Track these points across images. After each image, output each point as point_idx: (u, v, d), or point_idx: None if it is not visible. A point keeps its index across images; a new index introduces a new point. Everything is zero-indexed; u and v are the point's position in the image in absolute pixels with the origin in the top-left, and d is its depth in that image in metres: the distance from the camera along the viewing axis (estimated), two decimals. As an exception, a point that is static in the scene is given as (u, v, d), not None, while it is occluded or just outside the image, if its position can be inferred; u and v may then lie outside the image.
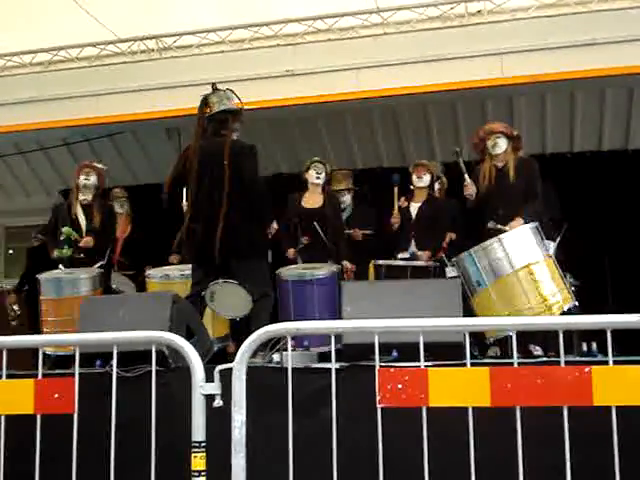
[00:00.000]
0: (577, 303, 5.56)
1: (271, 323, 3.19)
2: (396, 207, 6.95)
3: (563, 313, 5.34)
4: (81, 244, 6.75)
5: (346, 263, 6.75)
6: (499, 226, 5.80)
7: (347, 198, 7.52)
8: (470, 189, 6.10)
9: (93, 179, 7.02)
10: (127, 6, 7.17)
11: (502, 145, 6.13)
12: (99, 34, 7.74)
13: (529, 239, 5.51)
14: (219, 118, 5.61)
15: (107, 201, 7.33)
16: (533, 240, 5.51)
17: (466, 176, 6.11)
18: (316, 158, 7.22)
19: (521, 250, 5.43)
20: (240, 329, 5.81)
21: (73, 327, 5.68)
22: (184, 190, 5.92)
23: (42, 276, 6.41)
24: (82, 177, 7.00)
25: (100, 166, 7.19)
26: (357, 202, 7.65)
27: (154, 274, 6.66)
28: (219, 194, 5.38)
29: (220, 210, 5.35)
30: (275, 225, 6.43)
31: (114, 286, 6.89)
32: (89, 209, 6.97)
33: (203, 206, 5.43)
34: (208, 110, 5.62)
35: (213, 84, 5.73)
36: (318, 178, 7.08)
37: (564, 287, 5.48)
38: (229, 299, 5.47)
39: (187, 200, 5.71)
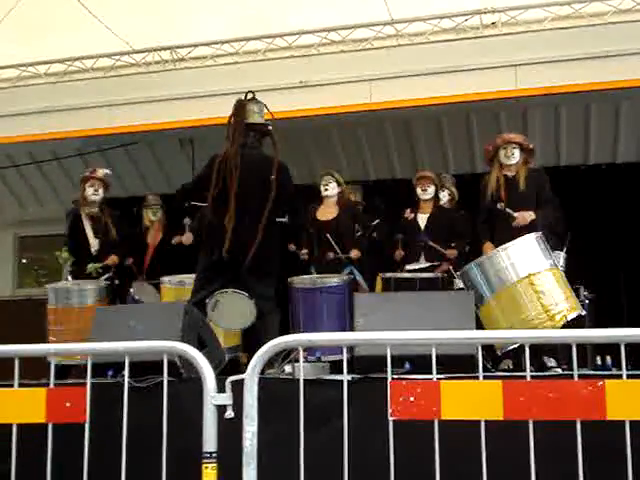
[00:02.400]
0: (583, 313, 5.51)
1: (282, 332, 3.19)
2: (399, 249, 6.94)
3: (568, 323, 5.28)
4: (108, 263, 6.87)
5: (354, 251, 6.78)
6: (508, 210, 5.80)
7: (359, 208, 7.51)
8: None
9: (101, 192, 7.08)
10: (141, 17, 7.21)
11: (517, 156, 6.14)
12: (114, 45, 7.79)
13: (533, 248, 5.47)
14: (261, 130, 5.64)
15: (113, 211, 7.32)
16: (537, 249, 5.47)
17: (515, 215, 6.03)
18: (324, 171, 7.24)
19: (524, 260, 5.40)
20: (251, 340, 5.82)
21: (78, 337, 5.72)
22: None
23: (50, 285, 6.47)
24: (90, 191, 7.05)
25: (104, 174, 7.20)
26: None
27: (168, 280, 6.72)
28: (261, 208, 5.41)
29: (259, 223, 5.38)
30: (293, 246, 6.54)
31: (136, 297, 6.91)
32: (98, 221, 7.03)
33: (245, 219, 5.42)
34: (244, 117, 5.58)
35: (251, 92, 5.69)
36: (326, 190, 7.10)
37: (570, 296, 5.41)
38: (232, 310, 5.47)
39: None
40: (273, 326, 5.39)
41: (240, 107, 5.60)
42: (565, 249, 6.16)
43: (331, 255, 6.77)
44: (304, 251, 6.93)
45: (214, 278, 5.52)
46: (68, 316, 6.35)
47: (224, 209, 5.44)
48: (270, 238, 5.45)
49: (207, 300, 5.44)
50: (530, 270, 5.35)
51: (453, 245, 6.80)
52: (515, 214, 5.86)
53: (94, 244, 6.96)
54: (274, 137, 5.66)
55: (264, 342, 3.06)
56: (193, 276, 6.18)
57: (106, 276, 6.72)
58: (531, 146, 6.26)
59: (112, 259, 6.93)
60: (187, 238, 7.09)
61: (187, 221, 7.02)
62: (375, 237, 7.19)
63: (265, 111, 5.70)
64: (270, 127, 5.69)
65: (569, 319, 5.27)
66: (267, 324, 5.40)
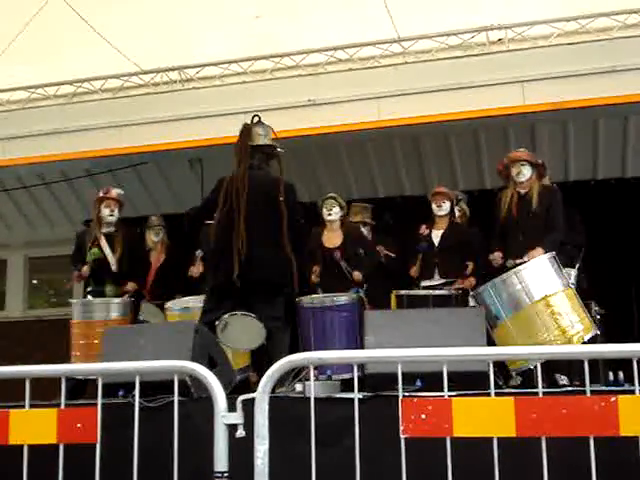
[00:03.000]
0: (599, 332, 5.51)
1: (292, 351, 3.18)
2: (417, 264, 6.90)
3: (584, 343, 5.29)
4: (128, 289, 6.96)
5: (355, 273, 6.76)
6: (517, 262, 5.78)
7: (363, 231, 7.48)
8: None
9: (117, 212, 7.12)
10: (150, 38, 7.26)
11: (526, 173, 6.14)
12: (122, 66, 7.84)
13: (547, 270, 5.48)
14: (268, 152, 5.70)
15: (128, 229, 7.36)
16: (551, 270, 5.48)
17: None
18: (326, 195, 7.25)
19: (539, 282, 5.41)
20: (261, 360, 5.82)
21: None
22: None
23: (74, 300, 6.51)
24: (106, 211, 7.10)
25: (118, 194, 7.25)
26: (374, 234, 7.64)
27: (174, 306, 6.69)
28: (266, 227, 5.46)
29: (269, 243, 5.43)
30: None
31: (141, 317, 6.92)
32: (113, 239, 7.06)
33: (254, 239, 5.43)
34: (250, 140, 5.65)
35: (257, 116, 5.75)
36: (330, 215, 7.09)
37: (585, 316, 5.43)
38: (242, 332, 5.47)
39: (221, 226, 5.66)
40: (283, 344, 5.40)
41: (246, 130, 5.68)
42: (577, 266, 6.14)
43: (338, 254, 6.75)
44: (315, 269, 6.91)
45: (224, 299, 5.53)
46: (92, 330, 6.42)
47: (231, 231, 5.46)
48: (281, 259, 5.46)
49: (216, 322, 5.46)
50: (546, 292, 5.36)
51: (468, 268, 6.72)
52: (525, 259, 5.80)
53: (113, 262, 7.00)
54: (280, 158, 5.72)
55: (274, 359, 3.06)
56: (198, 299, 6.23)
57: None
58: (540, 161, 6.26)
59: (132, 286, 7.02)
60: (197, 270, 7.10)
61: (199, 253, 7.03)
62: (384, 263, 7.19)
63: (271, 133, 5.74)
64: (278, 149, 5.74)
65: (585, 340, 5.27)
66: (276, 343, 5.41)
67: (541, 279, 5.43)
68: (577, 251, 6.39)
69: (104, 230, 7.11)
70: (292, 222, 5.52)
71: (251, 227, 5.44)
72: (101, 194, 7.24)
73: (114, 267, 6.98)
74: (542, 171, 6.25)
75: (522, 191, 6.15)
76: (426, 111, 7.52)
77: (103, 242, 7.03)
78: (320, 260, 6.90)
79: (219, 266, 5.55)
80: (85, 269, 6.88)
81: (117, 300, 6.69)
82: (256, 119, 5.73)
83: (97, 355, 6.03)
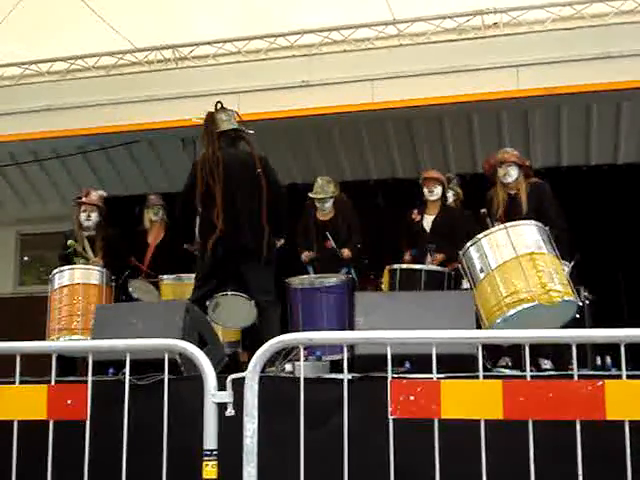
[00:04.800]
0: (580, 303, 5.43)
1: (281, 331, 3.20)
2: (408, 254, 6.93)
3: (567, 324, 5.24)
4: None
5: (345, 250, 6.87)
6: (488, 220, 5.81)
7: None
8: None
9: (94, 216, 7.20)
10: (144, 16, 7.22)
11: (513, 174, 6.16)
12: (116, 43, 7.80)
13: (534, 234, 5.41)
14: (231, 135, 5.79)
15: (108, 232, 7.36)
16: (538, 236, 5.40)
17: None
18: (319, 179, 7.32)
19: (526, 240, 5.34)
20: (251, 338, 5.86)
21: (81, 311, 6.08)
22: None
23: (55, 271, 6.57)
24: (83, 216, 7.19)
25: (97, 197, 7.28)
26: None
27: (167, 276, 6.89)
28: (251, 201, 5.55)
29: (250, 215, 5.53)
30: (282, 241, 6.59)
31: (134, 295, 6.95)
32: (94, 243, 7.16)
33: (234, 211, 5.53)
34: (215, 127, 5.75)
35: (219, 102, 5.83)
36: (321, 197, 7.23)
37: (568, 285, 5.32)
38: (232, 311, 5.53)
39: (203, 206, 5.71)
40: (273, 322, 5.48)
41: (209, 118, 5.79)
42: (572, 263, 6.10)
43: (330, 244, 6.88)
44: (308, 254, 7.00)
45: (213, 275, 5.63)
46: (71, 293, 6.48)
47: (213, 209, 5.55)
48: (265, 230, 5.54)
49: (207, 301, 5.52)
50: (533, 249, 5.30)
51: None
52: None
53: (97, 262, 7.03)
54: (247, 138, 5.80)
55: (265, 338, 3.08)
56: (192, 275, 6.27)
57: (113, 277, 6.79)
58: (527, 162, 6.27)
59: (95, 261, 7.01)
60: None
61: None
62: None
63: (235, 117, 5.83)
64: (245, 131, 5.83)
65: (565, 299, 5.14)
66: (267, 320, 5.51)
67: (529, 239, 5.36)
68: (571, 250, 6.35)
69: (85, 233, 7.19)
70: (275, 191, 5.61)
71: (230, 201, 5.53)
72: (81, 198, 7.27)
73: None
74: (528, 171, 6.25)
75: (511, 192, 6.16)
76: (420, 94, 7.51)
77: (86, 245, 7.10)
78: (314, 235, 6.99)
79: (205, 243, 5.61)
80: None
81: (97, 267, 6.73)
82: (219, 105, 5.81)
83: (80, 315, 6.25)
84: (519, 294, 5.11)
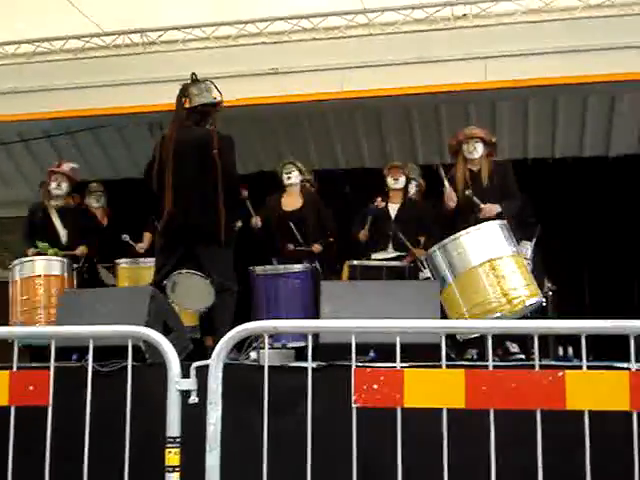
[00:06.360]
0: (543, 300, 5.58)
1: (243, 319, 3.20)
2: (366, 227, 6.91)
3: (528, 312, 5.34)
4: (77, 253, 6.89)
5: (315, 246, 6.81)
6: (475, 199, 5.85)
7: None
8: (452, 198, 6.10)
9: (64, 186, 7.16)
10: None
11: (479, 150, 6.19)
12: (84, 27, 7.71)
13: (496, 235, 5.52)
14: (201, 110, 5.70)
15: (81, 202, 7.44)
16: (500, 236, 5.52)
17: (446, 184, 6.13)
18: (285, 160, 7.28)
19: (486, 245, 5.45)
20: (208, 324, 5.86)
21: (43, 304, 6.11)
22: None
23: (15, 262, 6.50)
24: (53, 185, 7.15)
25: (69, 168, 7.25)
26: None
27: (124, 260, 6.94)
28: (203, 181, 5.50)
29: (202, 195, 5.49)
30: (259, 222, 6.54)
31: (105, 281, 6.94)
32: (64, 213, 7.09)
33: (184, 191, 5.51)
34: (187, 101, 5.71)
35: (193, 74, 5.76)
36: (289, 179, 7.14)
37: (531, 283, 5.44)
38: (191, 291, 5.52)
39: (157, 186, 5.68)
40: (227, 306, 5.48)
41: (180, 92, 5.74)
42: (534, 240, 6.22)
43: (291, 247, 6.76)
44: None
45: (167, 256, 5.64)
46: (32, 285, 6.43)
47: (175, 190, 5.55)
48: (213, 209, 5.49)
49: (165, 281, 5.51)
50: (492, 255, 5.40)
51: (421, 241, 6.80)
52: (482, 205, 5.90)
53: (63, 234, 7.00)
54: (213, 115, 5.72)
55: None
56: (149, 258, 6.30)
57: (75, 266, 6.70)
58: (493, 140, 6.31)
59: (81, 250, 6.94)
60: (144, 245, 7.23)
61: (125, 237, 7.18)
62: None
63: (210, 91, 5.73)
64: (214, 104, 5.73)
65: (527, 304, 5.31)
66: (221, 304, 5.52)
67: (489, 243, 5.47)
68: (534, 226, 6.48)
69: (53, 203, 7.13)
70: (225, 172, 5.53)
71: (181, 181, 5.51)
72: (53, 168, 7.25)
73: (64, 239, 6.98)
74: (492, 150, 6.31)
75: (473, 168, 6.21)
76: (389, 84, 7.52)
77: (54, 216, 7.04)
78: (277, 226, 6.91)
79: (160, 224, 5.65)
80: (31, 251, 6.83)
81: (56, 258, 6.66)
82: (193, 77, 5.75)
83: (40, 308, 6.23)
84: (483, 305, 5.28)
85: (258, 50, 7.74)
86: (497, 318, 5.17)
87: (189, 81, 5.74)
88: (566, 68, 7.09)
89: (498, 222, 5.61)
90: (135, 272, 6.90)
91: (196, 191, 5.52)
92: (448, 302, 5.43)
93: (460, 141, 6.27)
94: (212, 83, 5.75)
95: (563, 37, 7.10)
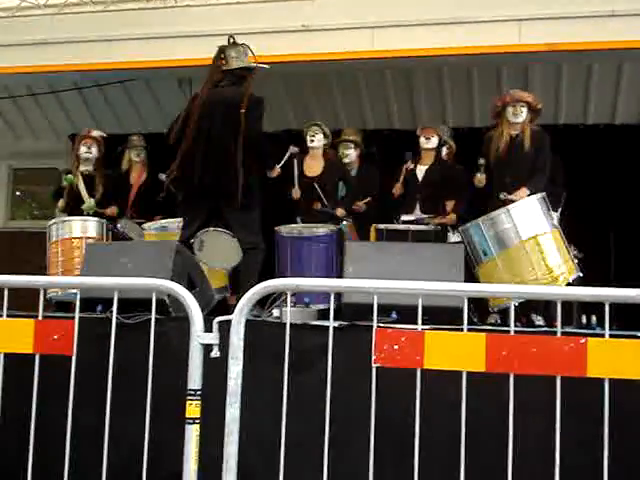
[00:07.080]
0: (581, 274, 5.59)
1: (268, 279, 3.21)
2: (401, 179, 6.91)
3: (568, 284, 5.38)
4: (107, 212, 7.07)
5: (339, 210, 6.81)
6: (510, 197, 5.81)
7: (352, 152, 7.45)
8: (482, 182, 6.14)
9: (94, 151, 7.29)
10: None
11: (524, 114, 6.12)
12: (115, -22, 7.69)
13: (536, 210, 5.53)
14: (238, 74, 5.71)
15: (106, 171, 7.47)
16: (540, 211, 5.52)
17: (479, 175, 6.16)
18: (310, 122, 7.25)
19: (528, 221, 5.47)
20: (237, 281, 5.88)
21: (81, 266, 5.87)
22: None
23: (50, 221, 6.55)
24: (83, 149, 7.26)
25: (99, 134, 7.37)
26: (363, 161, 7.61)
27: (151, 226, 6.81)
28: (227, 141, 5.48)
29: (228, 155, 5.46)
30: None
31: (121, 229, 6.95)
32: (91, 179, 7.19)
33: (209, 149, 5.52)
34: (224, 62, 5.69)
35: (231, 36, 5.76)
36: (312, 141, 7.08)
37: (569, 259, 5.52)
38: (218, 249, 5.54)
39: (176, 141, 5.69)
40: (252, 265, 5.51)
41: (218, 53, 5.74)
42: (560, 210, 6.19)
43: (319, 206, 6.77)
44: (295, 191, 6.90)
45: (195, 214, 5.67)
46: (70, 247, 6.50)
47: (197, 147, 5.57)
48: (239, 173, 5.47)
49: (192, 240, 5.54)
50: (537, 231, 5.43)
51: (449, 205, 6.77)
52: (512, 196, 5.83)
53: (88, 202, 7.06)
54: (249, 79, 5.71)
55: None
56: (176, 220, 6.27)
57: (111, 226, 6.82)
58: (539, 106, 6.24)
59: (112, 210, 7.11)
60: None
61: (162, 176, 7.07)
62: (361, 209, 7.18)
63: (247, 55, 5.76)
64: (255, 68, 5.75)
65: (570, 280, 5.38)
66: (246, 263, 5.55)
67: (531, 219, 5.49)
68: (560, 195, 6.44)
69: (82, 168, 7.21)
70: (249, 133, 5.50)
71: (204, 139, 5.54)
72: (82, 133, 7.37)
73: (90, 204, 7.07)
74: (535, 117, 6.24)
75: (514, 133, 6.14)
76: (421, 44, 7.42)
77: (81, 184, 7.11)
78: (301, 192, 6.88)
79: (185, 181, 5.66)
80: (60, 204, 6.94)
81: (94, 219, 6.74)
82: (231, 40, 5.75)
83: (78, 269, 6.13)
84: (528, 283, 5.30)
85: (290, 6, 7.66)
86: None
87: (227, 44, 5.73)
88: (601, 33, 6.96)
89: (538, 196, 5.58)
90: (163, 238, 6.86)
91: (217, 150, 5.51)
92: (488, 277, 5.44)
93: (506, 103, 6.19)
94: (248, 47, 5.76)
95: (600, 1, 6.96)
